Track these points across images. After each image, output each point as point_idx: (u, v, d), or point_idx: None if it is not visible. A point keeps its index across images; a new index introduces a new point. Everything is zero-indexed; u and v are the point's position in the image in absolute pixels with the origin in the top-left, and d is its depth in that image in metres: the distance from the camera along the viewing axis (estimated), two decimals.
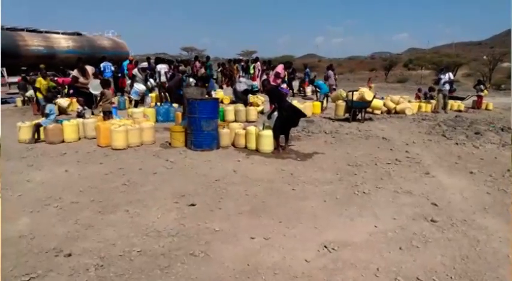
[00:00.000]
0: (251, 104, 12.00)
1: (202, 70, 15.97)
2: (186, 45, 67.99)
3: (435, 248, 3.57)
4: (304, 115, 7.87)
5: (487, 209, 4.54)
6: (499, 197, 4.99)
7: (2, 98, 14.29)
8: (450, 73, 14.47)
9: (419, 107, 13.89)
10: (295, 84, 19.61)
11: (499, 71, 36.33)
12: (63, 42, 18.55)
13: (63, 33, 19.30)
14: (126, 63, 15.71)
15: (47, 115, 7.96)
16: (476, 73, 36.14)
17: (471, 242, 3.71)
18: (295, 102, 11.60)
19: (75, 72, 10.15)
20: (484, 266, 3.26)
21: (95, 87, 9.85)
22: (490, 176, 5.87)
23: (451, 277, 3.09)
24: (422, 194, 5.02)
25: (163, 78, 13.14)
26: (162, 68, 13.55)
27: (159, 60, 14.78)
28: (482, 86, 15.86)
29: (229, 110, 10.84)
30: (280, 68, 12.09)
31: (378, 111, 12.79)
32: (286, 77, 15.34)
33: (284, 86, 15.56)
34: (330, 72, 16.89)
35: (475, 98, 16.01)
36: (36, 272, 3.06)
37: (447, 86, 13.72)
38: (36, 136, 7.83)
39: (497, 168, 6.31)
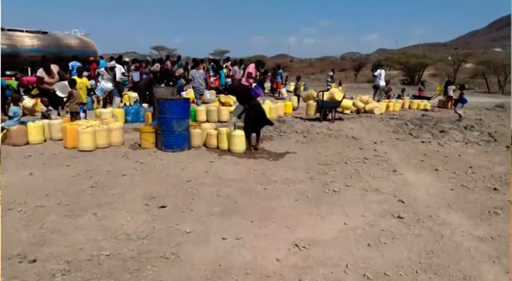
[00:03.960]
0: (223, 104, 11.97)
1: (181, 70, 15.70)
2: (157, 44, 67.03)
3: (402, 244, 3.67)
4: (270, 123, 7.91)
5: (451, 205, 4.72)
6: (462, 193, 5.19)
7: None
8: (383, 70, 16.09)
9: (388, 107, 14.28)
10: (267, 85, 19.71)
11: (462, 71, 37.80)
12: (27, 41, 17.86)
13: (27, 31, 18.59)
14: (103, 62, 15.31)
15: (10, 117, 7.65)
16: (442, 73, 37.48)
17: (436, 237, 3.85)
18: (268, 102, 11.68)
19: (39, 72, 9.66)
20: (448, 260, 3.39)
21: (61, 89, 9.50)
22: (454, 173, 6.11)
23: (416, 271, 3.19)
24: (389, 191, 5.16)
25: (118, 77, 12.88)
26: (118, 68, 13.30)
27: (117, 60, 14.52)
28: (453, 87, 16.52)
29: (201, 110, 10.78)
30: (251, 68, 12.11)
31: (348, 111, 13.05)
32: (258, 77, 15.41)
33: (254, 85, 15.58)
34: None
35: (441, 98, 16.61)
36: None
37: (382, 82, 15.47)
38: None
39: (460, 165, 6.57)
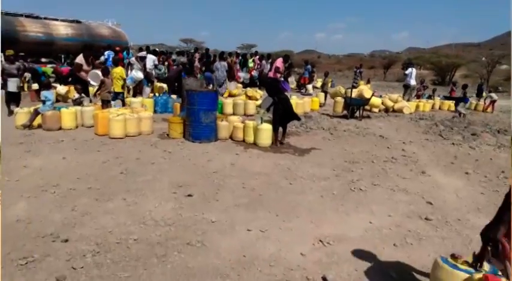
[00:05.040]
0: (249, 97, 12.01)
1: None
2: (186, 36, 67.66)
3: (429, 246, 3.61)
4: (298, 118, 7.90)
5: (481, 209, 4.60)
6: (493, 197, 5.04)
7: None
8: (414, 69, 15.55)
9: (417, 107, 13.97)
10: (291, 80, 19.60)
11: (496, 73, 36.46)
12: (62, 30, 18.42)
13: (62, 21, 19.14)
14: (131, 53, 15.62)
15: (43, 102, 7.91)
16: (475, 75, 36.27)
17: (464, 241, 3.76)
18: (294, 97, 11.63)
19: (79, 59, 9.89)
20: None
21: (93, 77, 9.76)
22: (485, 177, 5.94)
23: None
24: (417, 192, 5.07)
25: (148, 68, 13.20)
26: (151, 58, 13.66)
27: (153, 52, 14.86)
28: (494, 94, 16.42)
29: (228, 103, 10.84)
30: (279, 62, 12.07)
31: (376, 109, 12.84)
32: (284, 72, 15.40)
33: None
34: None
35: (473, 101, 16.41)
36: (33, 256, 3.07)
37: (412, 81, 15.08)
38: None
39: (492, 169, 6.37)
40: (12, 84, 8.96)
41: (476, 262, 2.14)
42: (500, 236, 2.03)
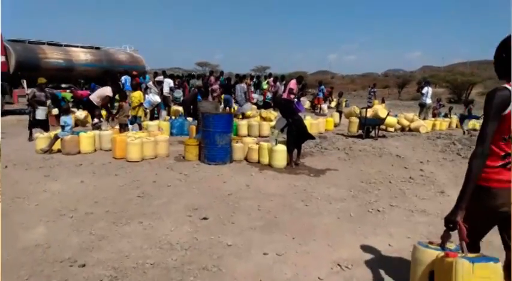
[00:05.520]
0: (264, 119, 12.08)
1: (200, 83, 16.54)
2: (201, 60, 68.96)
3: None
4: (312, 137, 7.97)
5: None
6: None
7: (21, 109, 14.65)
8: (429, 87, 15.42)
9: (434, 125, 13.81)
10: (303, 99, 19.69)
11: None
12: (81, 56, 19.00)
13: (82, 47, 19.78)
14: (148, 77, 16.03)
15: (62, 127, 8.11)
16: None
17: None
18: (308, 118, 11.65)
19: (109, 92, 9.97)
20: None
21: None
22: None
23: None
24: (437, 213, 4.95)
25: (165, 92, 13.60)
26: (167, 82, 14.10)
27: (170, 76, 15.37)
28: None
29: (243, 125, 10.92)
30: (293, 84, 12.16)
31: (392, 129, 12.73)
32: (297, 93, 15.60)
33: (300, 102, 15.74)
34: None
35: None
36: None
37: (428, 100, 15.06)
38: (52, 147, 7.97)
39: None
40: (42, 113, 9.18)
41: (442, 242, 2.47)
42: (458, 219, 2.28)
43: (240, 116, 13.53)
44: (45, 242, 3.80)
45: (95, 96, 10.01)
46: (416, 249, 2.64)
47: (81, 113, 11.84)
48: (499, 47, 2.37)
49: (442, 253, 2.36)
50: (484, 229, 2.54)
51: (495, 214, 2.38)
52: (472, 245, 2.45)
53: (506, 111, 2.22)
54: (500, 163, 2.33)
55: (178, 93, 14.76)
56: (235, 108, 14.25)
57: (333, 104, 19.33)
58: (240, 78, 15.75)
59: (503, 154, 2.32)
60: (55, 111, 10.46)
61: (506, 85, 2.26)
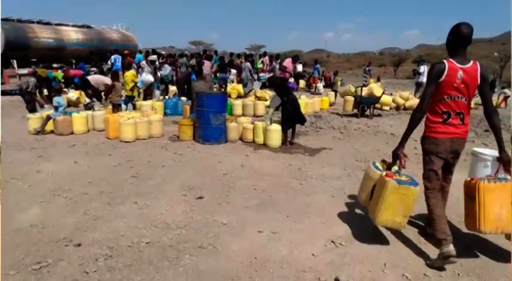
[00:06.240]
0: (259, 98, 11.99)
1: (215, 66, 16.32)
2: (195, 39, 68.03)
3: None
4: (303, 120, 7.65)
5: None
6: None
7: (11, 90, 14.42)
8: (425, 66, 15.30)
9: None
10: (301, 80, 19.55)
11: (509, 68, 35.83)
12: (72, 35, 18.60)
13: (72, 26, 19.34)
14: (140, 56, 15.72)
15: (55, 108, 8.01)
16: (487, 70, 35.65)
17: (480, 240, 3.69)
18: (303, 97, 11.59)
19: (108, 80, 9.76)
20: (492, 263, 3.25)
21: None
22: None
23: (458, 274, 3.08)
24: None
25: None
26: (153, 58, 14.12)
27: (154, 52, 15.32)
28: (507, 90, 16.48)
29: (237, 104, 10.85)
30: (286, 62, 12.05)
31: (387, 107, 12.72)
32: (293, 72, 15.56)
33: (292, 80, 15.68)
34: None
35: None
36: (46, 261, 3.10)
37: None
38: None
39: None
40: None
41: (388, 167, 3.52)
42: (399, 153, 3.33)
43: (251, 95, 13.29)
44: (40, 223, 3.80)
45: (97, 83, 10.00)
46: (369, 168, 3.64)
47: (73, 95, 11.71)
48: (449, 32, 3.14)
49: (384, 173, 3.34)
50: (436, 165, 3.33)
51: (440, 156, 3.28)
52: (435, 174, 3.34)
53: (441, 79, 3.06)
54: (440, 119, 3.20)
55: (166, 70, 14.45)
56: (241, 90, 14.26)
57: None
58: (246, 57, 15.69)
59: (440, 111, 3.17)
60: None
61: (445, 60, 3.09)
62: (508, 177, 3.15)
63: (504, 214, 3.06)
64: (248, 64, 14.62)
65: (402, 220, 3.28)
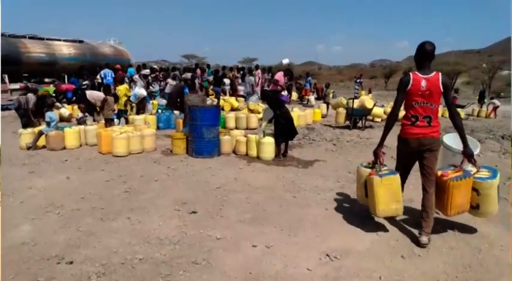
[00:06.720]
0: (252, 111, 12.03)
1: (211, 78, 16.42)
2: (187, 52, 68.28)
3: (437, 257, 3.56)
4: (294, 134, 7.58)
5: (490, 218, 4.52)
6: (501, 204, 4.97)
7: (3, 105, 14.31)
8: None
9: None
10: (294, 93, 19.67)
11: (498, 79, 36.46)
12: (64, 49, 18.61)
13: (65, 41, 19.36)
14: (132, 70, 15.73)
15: (47, 123, 7.97)
16: (476, 81, 36.25)
17: (473, 250, 3.71)
18: (296, 109, 11.66)
19: (102, 94, 9.62)
20: (487, 275, 3.26)
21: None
22: None
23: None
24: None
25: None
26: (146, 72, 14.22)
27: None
28: (496, 100, 16.73)
29: (230, 117, 10.87)
30: (278, 75, 12.14)
31: (379, 119, 12.83)
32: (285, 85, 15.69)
33: (285, 93, 15.78)
34: None
35: (475, 107, 16.59)
36: (38, 279, 3.05)
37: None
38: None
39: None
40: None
41: (372, 166, 4.06)
42: (378, 151, 3.99)
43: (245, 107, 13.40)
44: (31, 240, 3.75)
45: (93, 98, 10.04)
46: (359, 168, 4.29)
47: (65, 111, 11.67)
48: (416, 49, 3.74)
49: (368, 171, 3.99)
50: (408, 163, 4.05)
51: (411, 155, 3.90)
52: (406, 171, 4.09)
53: (408, 88, 3.68)
54: (409, 122, 3.82)
55: (155, 87, 14.51)
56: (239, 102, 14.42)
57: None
58: (250, 71, 15.97)
59: (410, 116, 3.80)
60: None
61: (410, 73, 3.75)
62: (473, 169, 4.02)
63: (464, 201, 3.86)
64: (251, 78, 14.82)
65: (397, 205, 3.85)
